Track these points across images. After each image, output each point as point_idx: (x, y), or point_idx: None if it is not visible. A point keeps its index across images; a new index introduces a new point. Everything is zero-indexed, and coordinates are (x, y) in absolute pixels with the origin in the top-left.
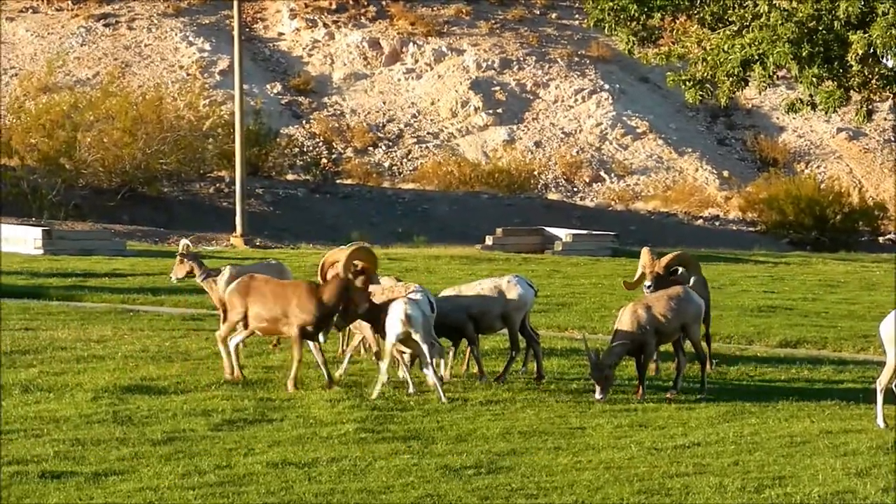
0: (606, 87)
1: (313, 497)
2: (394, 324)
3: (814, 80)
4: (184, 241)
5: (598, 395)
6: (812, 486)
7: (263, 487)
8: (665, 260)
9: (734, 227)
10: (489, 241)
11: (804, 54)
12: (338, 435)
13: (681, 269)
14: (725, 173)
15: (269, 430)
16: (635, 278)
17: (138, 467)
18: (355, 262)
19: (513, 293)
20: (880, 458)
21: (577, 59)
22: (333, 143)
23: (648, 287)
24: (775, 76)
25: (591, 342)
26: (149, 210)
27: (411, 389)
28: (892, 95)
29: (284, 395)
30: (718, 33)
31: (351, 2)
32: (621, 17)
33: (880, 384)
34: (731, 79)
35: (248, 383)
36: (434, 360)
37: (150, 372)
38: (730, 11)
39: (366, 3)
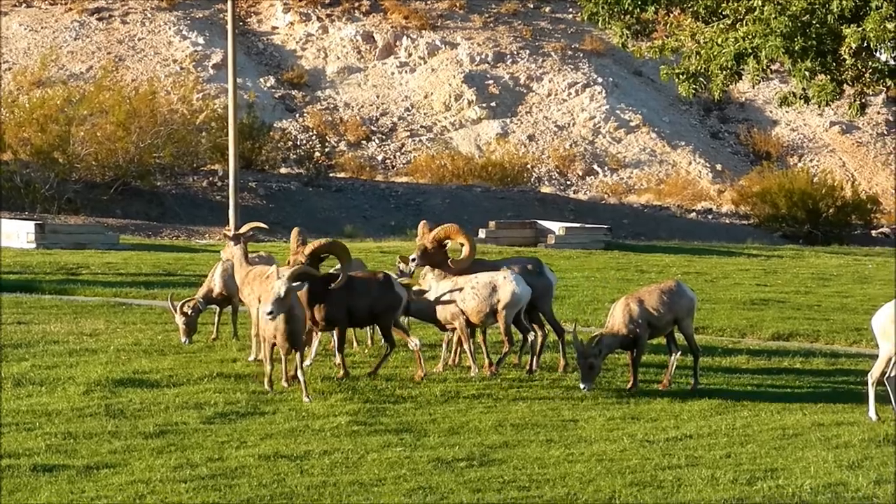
0: (600, 80)
1: (305, 490)
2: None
3: (807, 73)
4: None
5: (582, 384)
6: (804, 478)
7: (255, 480)
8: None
9: (727, 221)
10: (482, 234)
11: (797, 48)
12: (330, 428)
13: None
14: (718, 167)
15: (261, 423)
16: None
17: (130, 460)
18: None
19: (507, 290)
20: (872, 451)
21: (570, 52)
22: (327, 137)
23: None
24: (769, 70)
25: (583, 335)
26: (142, 204)
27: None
28: (885, 89)
29: (276, 387)
30: (712, 27)
31: None
32: (615, 10)
33: (872, 377)
34: (724, 72)
35: (240, 376)
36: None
37: (143, 365)
38: (723, 5)
39: None
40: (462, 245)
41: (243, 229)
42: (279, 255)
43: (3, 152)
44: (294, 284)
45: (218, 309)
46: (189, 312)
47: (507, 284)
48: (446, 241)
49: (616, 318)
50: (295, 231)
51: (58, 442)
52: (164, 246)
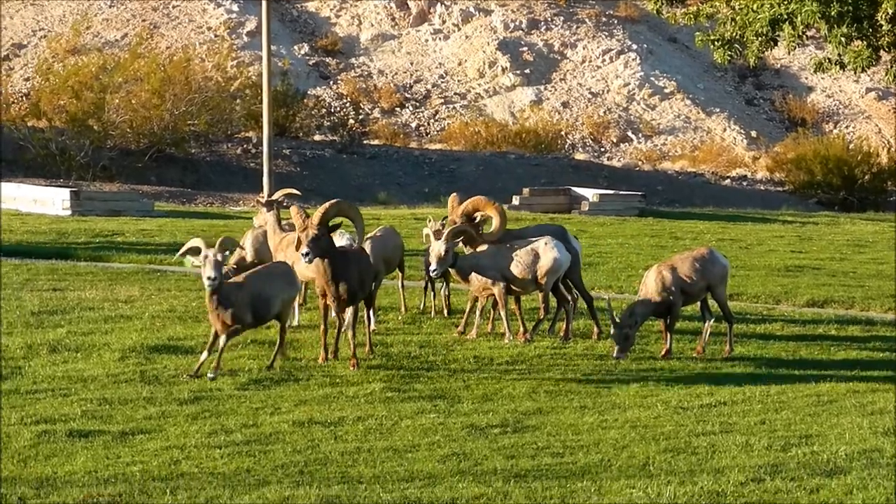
0: (634, 47)
1: (339, 456)
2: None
3: (843, 39)
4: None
5: (616, 354)
6: (839, 444)
7: (290, 446)
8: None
9: (762, 188)
10: (516, 201)
11: (833, 13)
12: (364, 394)
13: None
14: (753, 133)
15: (295, 390)
16: None
17: (165, 426)
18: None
19: (549, 257)
20: None
21: (604, 19)
22: (361, 104)
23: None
24: (804, 36)
25: (617, 302)
26: (176, 171)
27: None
28: None
29: (311, 354)
30: None
31: None
32: None
33: None
34: (759, 38)
35: (275, 343)
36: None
37: (177, 332)
38: None
39: None
40: (492, 217)
41: (276, 196)
42: None
43: (38, 119)
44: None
45: None
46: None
47: (548, 251)
48: (476, 215)
49: (649, 286)
50: (294, 207)
51: (93, 408)
52: (199, 213)
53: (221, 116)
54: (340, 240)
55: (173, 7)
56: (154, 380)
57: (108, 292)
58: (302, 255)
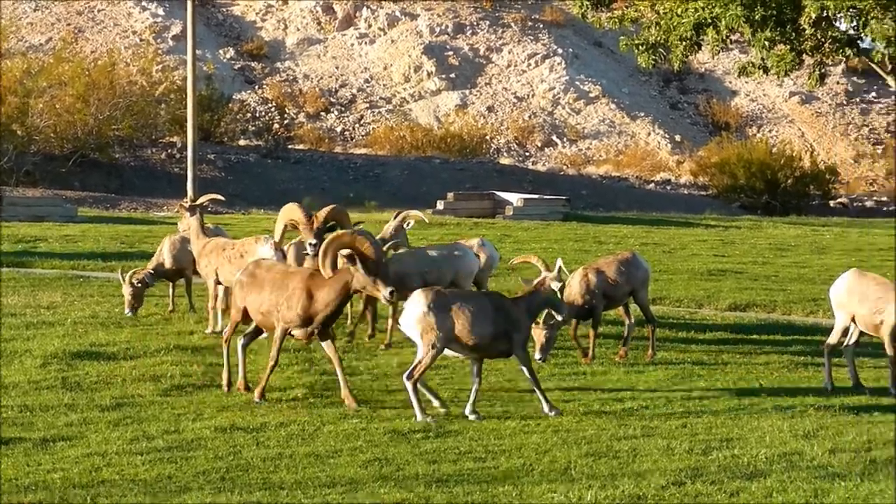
0: (559, 51)
1: (261, 462)
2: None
3: (766, 43)
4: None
5: (537, 356)
6: (759, 447)
7: (212, 452)
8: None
9: (686, 192)
10: (440, 205)
11: (757, 17)
12: (287, 400)
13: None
14: (677, 137)
15: (217, 396)
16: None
17: (87, 433)
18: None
19: (482, 256)
20: (827, 420)
21: (530, 23)
22: (286, 109)
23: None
24: (728, 40)
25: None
26: (100, 176)
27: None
28: (844, 59)
29: (233, 360)
30: None
31: None
32: None
33: (828, 347)
34: (683, 43)
35: (197, 349)
36: None
37: (100, 338)
38: None
39: None
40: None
41: (200, 201)
42: (236, 228)
43: None
44: None
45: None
46: (136, 284)
47: (468, 254)
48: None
49: (574, 289)
50: (295, 206)
51: (14, 415)
52: (123, 218)
53: (146, 121)
54: (265, 245)
55: (98, 11)
56: (76, 386)
57: (31, 298)
58: (310, 244)
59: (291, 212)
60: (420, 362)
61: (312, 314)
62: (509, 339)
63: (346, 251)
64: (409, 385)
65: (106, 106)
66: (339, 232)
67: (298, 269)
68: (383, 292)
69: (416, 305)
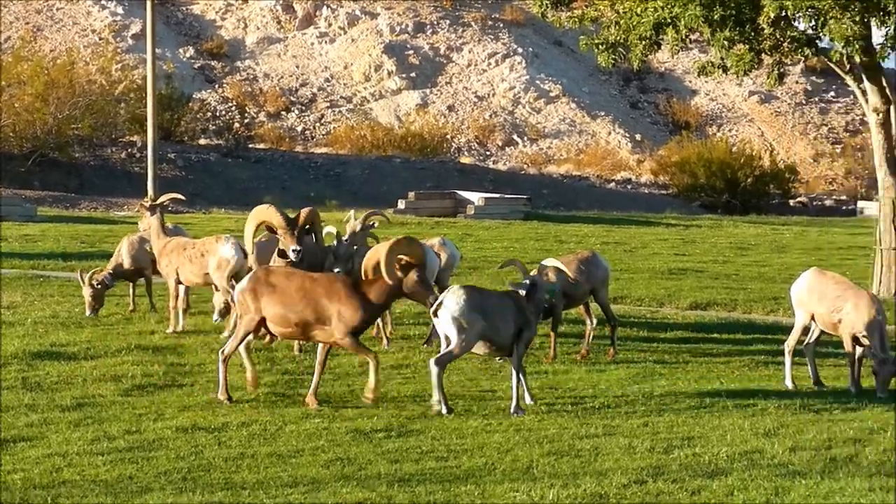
0: (520, 50)
1: (223, 462)
2: None
3: (725, 42)
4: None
5: (497, 357)
6: (720, 445)
7: (173, 452)
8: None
9: (646, 191)
10: (402, 204)
11: (716, 17)
12: (248, 399)
13: None
14: (638, 137)
15: (179, 395)
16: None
17: (47, 433)
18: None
19: (442, 255)
20: (788, 419)
21: (490, 22)
22: (246, 108)
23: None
24: (688, 39)
25: None
26: (60, 175)
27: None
28: (802, 59)
29: (195, 360)
30: None
31: None
32: None
33: (788, 346)
34: (643, 42)
35: (158, 349)
36: None
37: (60, 338)
38: None
39: None
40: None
41: (160, 200)
42: (197, 227)
43: None
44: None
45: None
46: (96, 285)
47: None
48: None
49: None
50: (272, 208)
51: None
52: (83, 218)
53: (106, 120)
54: (226, 244)
55: (57, 10)
56: (36, 386)
57: None
58: (294, 251)
59: (266, 214)
60: (451, 352)
61: (372, 319)
62: (520, 337)
63: (404, 258)
64: (435, 370)
65: (65, 105)
66: (399, 239)
67: (326, 276)
68: (430, 299)
69: (455, 303)
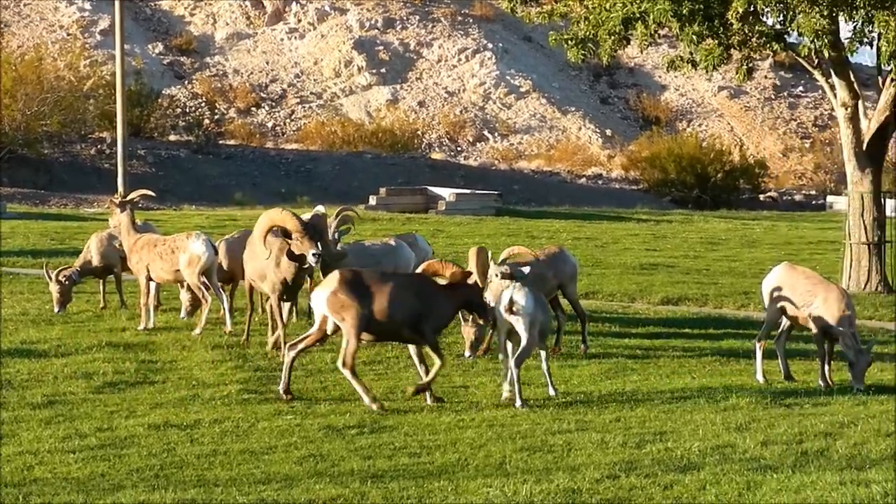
0: (490, 46)
1: (195, 459)
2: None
3: (694, 37)
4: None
5: (466, 353)
6: (692, 440)
7: (145, 449)
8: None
9: (617, 186)
10: (373, 200)
11: (685, 12)
12: (220, 396)
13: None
14: (608, 132)
15: (150, 392)
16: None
17: (18, 431)
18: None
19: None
20: (759, 413)
21: (460, 18)
22: (216, 104)
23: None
24: (657, 34)
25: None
26: (29, 172)
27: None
28: (771, 54)
29: (166, 356)
30: None
31: None
32: None
33: (759, 340)
34: (612, 37)
35: (129, 346)
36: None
37: (31, 335)
38: None
39: None
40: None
41: (130, 197)
42: (167, 224)
43: None
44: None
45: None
46: (64, 282)
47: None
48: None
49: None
50: (286, 212)
51: None
52: (52, 215)
53: (74, 116)
54: (197, 241)
55: (25, 5)
56: (6, 384)
57: None
58: (313, 255)
59: (281, 218)
60: (524, 349)
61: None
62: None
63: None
64: (515, 372)
65: (34, 101)
66: (482, 248)
67: (408, 275)
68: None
69: (526, 299)
